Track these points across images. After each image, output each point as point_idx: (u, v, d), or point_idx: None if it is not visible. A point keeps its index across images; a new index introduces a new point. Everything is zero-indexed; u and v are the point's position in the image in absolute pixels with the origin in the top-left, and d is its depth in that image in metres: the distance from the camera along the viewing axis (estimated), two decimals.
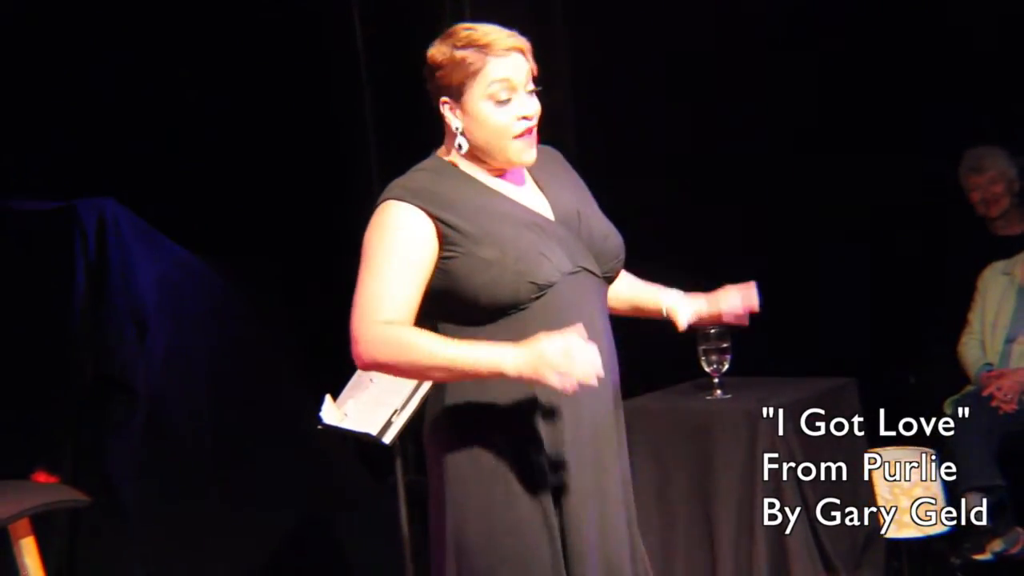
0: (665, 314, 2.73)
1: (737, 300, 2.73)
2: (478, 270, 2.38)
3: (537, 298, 2.40)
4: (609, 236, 2.58)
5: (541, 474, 2.41)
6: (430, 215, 2.41)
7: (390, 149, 5.33)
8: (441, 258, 2.41)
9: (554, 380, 2.21)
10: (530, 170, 2.58)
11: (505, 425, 2.42)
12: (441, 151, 2.55)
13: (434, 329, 2.43)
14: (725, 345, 3.84)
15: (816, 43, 5.06)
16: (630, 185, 4.97)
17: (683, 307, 2.72)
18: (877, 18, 4.96)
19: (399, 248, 2.39)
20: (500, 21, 2.57)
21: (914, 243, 5.02)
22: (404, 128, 5.12)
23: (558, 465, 2.43)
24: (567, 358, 2.21)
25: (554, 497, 2.43)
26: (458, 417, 2.44)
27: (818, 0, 5.01)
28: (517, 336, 2.35)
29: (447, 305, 2.42)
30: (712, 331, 3.83)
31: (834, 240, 5.15)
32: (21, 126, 4.45)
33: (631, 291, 2.77)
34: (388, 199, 2.44)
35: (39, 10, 4.53)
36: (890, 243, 5.05)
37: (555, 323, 2.39)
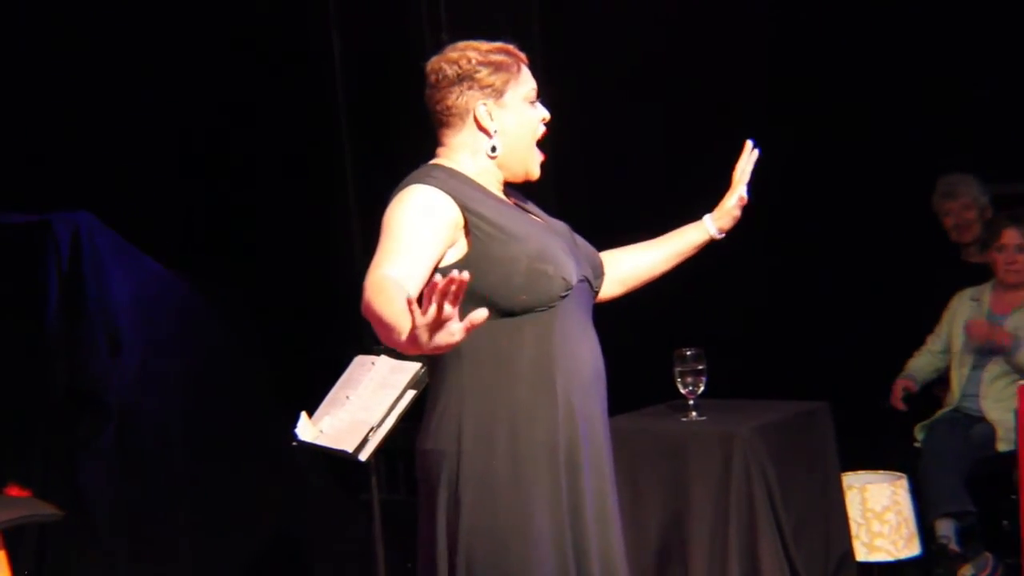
0: (713, 231, 2.84)
1: (742, 179, 2.84)
2: (511, 262, 2.40)
3: (562, 297, 2.43)
4: (595, 253, 2.66)
5: (556, 477, 2.43)
6: (457, 202, 2.42)
7: (366, 166, 5.33)
8: (471, 250, 2.41)
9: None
10: (510, 196, 2.61)
11: (526, 427, 2.42)
12: (441, 162, 2.56)
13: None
14: (701, 367, 3.84)
15: (797, 60, 5.09)
16: (608, 197, 4.98)
17: (724, 207, 2.84)
18: (857, 42, 5.00)
19: (422, 220, 2.38)
20: (480, 35, 2.61)
21: (886, 267, 5.05)
22: (380, 143, 5.13)
23: (572, 468, 2.45)
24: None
25: (568, 501, 2.44)
26: (477, 418, 2.43)
27: (805, 14, 5.04)
28: (539, 336, 2.41)
29: (476, 303, 2.30)
30: (688, 353, 3.84)
31: (807, 265, 5.17)
32: None
33: (658, 246, 2.83)
34: (413, 184, 2.44)
35: (14, 20, 4.51)
36: (863, 267, 5.08)
37: (571, 326, 2.46)
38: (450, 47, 2.54)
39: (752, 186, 5.15)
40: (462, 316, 2.36)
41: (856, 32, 4.99)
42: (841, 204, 5.10)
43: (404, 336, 2.11)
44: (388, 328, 2.15)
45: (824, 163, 5.08)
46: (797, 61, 5.08)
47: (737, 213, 2.83)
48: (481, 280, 2.37)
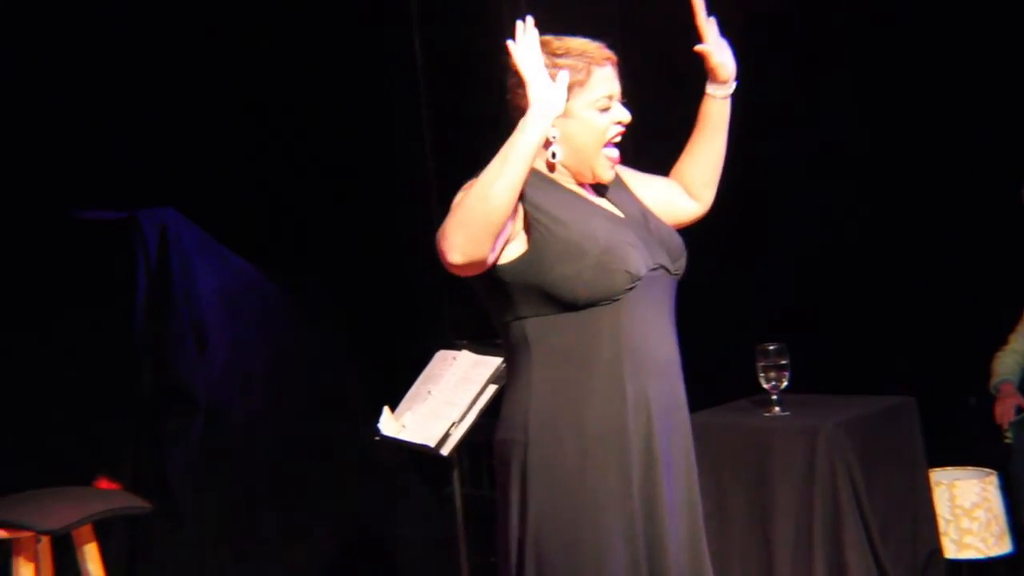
0: (718, 94, 2.72)
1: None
2: (575, 260, 2.39)
3: (629, 289, 2.42)
4: (672, 235, 2.63)
5: (627, 470, 2.42)
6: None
7: (448, 161, 5.34)
8: (531, 245, 2.41)
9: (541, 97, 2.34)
10: (584, 184, 2.61)
11: (594, 420, 2.42)
12: None
13: (520, 324, 2.45)
14: (784, 362, 3.82)
15: (874, 56, 5.02)
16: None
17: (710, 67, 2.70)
18: (945, 34, 4.91)
19: None
20: (559, 27, 2.59)
21: (975, 261, 4.96)
22: (462, 139, 5.13)
23: (646, 461, 2.44)
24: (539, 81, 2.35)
25: (641, 493, 2.43)
26: (545, 411, 2.43)
27: (875, 20, 4.96)
28: (606, 328, 2.41)
29: (538, 297, 2.42)
30: (771, 348, 3.81)
31: (894, 259, 5.10)
32: (83, 135, 4.50)
33: (697, 137, 2.77)
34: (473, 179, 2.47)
35: (103, 19, 4.58)
36: (950, 261, 5.00)
37: (641, 317, 2.45)
38: None
39: (839, 181, 5.08)
40: (524, 310, 2.43)
41: (943, 24, 4.90)
42: (928, 197, 5.02)
43: (504, 152, 2.29)
44: (482, 187, 2.28)
45: (910, 156, 5.01)
46: (881, 56, 5.00)
47: (719, 60, 2.67)
48: (543, 275, 2.40)
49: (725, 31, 2.73)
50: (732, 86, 2.72)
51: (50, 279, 4.37)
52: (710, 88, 2.72)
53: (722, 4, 2.79)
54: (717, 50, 2.67)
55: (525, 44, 2.36)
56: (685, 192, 2.78)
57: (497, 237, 2.31)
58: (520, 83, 2.43)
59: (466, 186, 2.43)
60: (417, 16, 5.43)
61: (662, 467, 2.44)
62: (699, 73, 2.74)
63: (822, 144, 5.05)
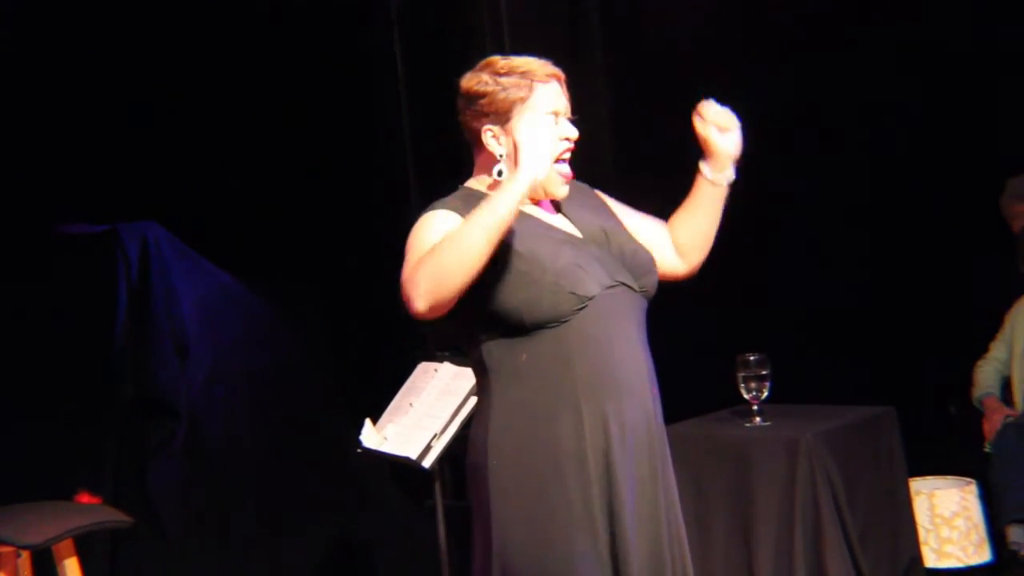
0: (708, 174, 2.63)
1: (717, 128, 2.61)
2: (520, 284, 2.40)
3: (578, 311, 2.42)
4: (638, 251, 2.60)
5: (588, 487, 2.42)
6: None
7: (429, 176, 5.36)
8: (483, 268, 2.40)
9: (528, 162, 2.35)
10: (540, 202, 2.61)
11: (551, 439, 2.42)
12: (469, 183, 2.60)
13: (478, 347, 2.46)
14: (764, 372, 3.83)
15: (862, 81, 5.04)
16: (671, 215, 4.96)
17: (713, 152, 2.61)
18: (927, 41, 4.93)
19: (439, 236, 2.39)
20: (539, 50, 2.60)
21: (953, 271, 4.99)
22: (444, 157, 5.14)
23: (606, 478, 2.43)
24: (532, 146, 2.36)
25: (603, 510, 2.42)
26: (504, 432, 2.44)
27: (870, 37, 4.98)
28: (558, 349, 2.41)
29: (489, 322, 2.44)
30: (752, 358, 3.83)
31: (874, 268, 5.12)
32: (65, 149, 4.50)
33: (686, 209, 2.70)
34: (429, 211, 2.49)
35: (83, 35, 4.58)
36: (933, 271, 5.02)
37: (595, 336, 2.44)
38: (480, 63, 2.54)
39: (819, 191, 5.08)
40: (480, 334, 2.46)
41: (926, 30, 4.93)
42: (908, 206, 5.05)
43: (480, 214, 2.29)
44: (459, 246, 2.29)
45: (890, 165, 5.03)
46: (869, 67, 5.02)
47: (720, 146, 2.59)
48: (492, 300, 2.41)
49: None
50: (730, 175, 2.62)
51: (31, 292, 4.37)
52: (704, 167, 2.62)
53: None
54: (718, 136, 2.58)
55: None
56: (673, 246, 2.71)
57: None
58: (468, 103, 2.50)
59: (424, 221, 2.46)
60: (397, 24, 5.44)
61: (623, 484, 2.43)
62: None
63: (801, 155, 5.07)
